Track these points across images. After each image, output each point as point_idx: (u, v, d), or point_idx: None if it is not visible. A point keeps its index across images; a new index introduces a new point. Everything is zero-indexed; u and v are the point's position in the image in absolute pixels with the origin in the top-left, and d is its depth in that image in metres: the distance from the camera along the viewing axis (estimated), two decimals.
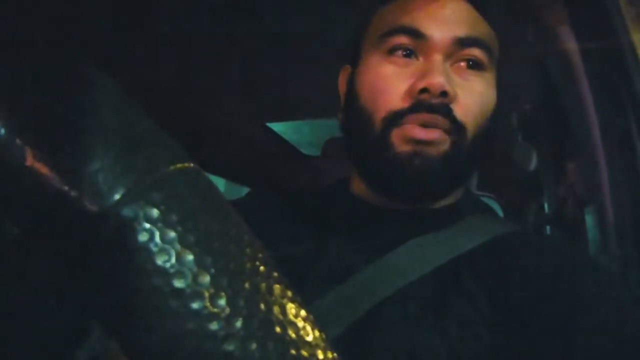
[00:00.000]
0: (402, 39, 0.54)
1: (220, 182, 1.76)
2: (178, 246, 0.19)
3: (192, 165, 0.21)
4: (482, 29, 0.55)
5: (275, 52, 1.04)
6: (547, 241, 0.59)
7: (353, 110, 0.57)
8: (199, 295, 0.18)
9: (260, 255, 0.20)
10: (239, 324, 0.18)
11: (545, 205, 1.08)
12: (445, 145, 0.52)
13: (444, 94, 0.51)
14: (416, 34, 0.53)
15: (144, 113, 0.21)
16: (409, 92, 0.52)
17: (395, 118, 0.52)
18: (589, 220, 0.76)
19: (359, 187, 0.60)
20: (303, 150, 1.53)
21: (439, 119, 0.51)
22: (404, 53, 0.54)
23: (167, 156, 0.20)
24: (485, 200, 0.88)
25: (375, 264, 0.51)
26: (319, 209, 0.61)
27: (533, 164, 1.06)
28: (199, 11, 0.90)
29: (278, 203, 0.63)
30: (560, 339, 0.44)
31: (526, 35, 0.87)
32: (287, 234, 0.57)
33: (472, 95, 0.53)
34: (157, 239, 0.18)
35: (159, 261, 0.18)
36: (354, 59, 0.60)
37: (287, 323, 0.19)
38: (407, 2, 0.56)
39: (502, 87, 0.61)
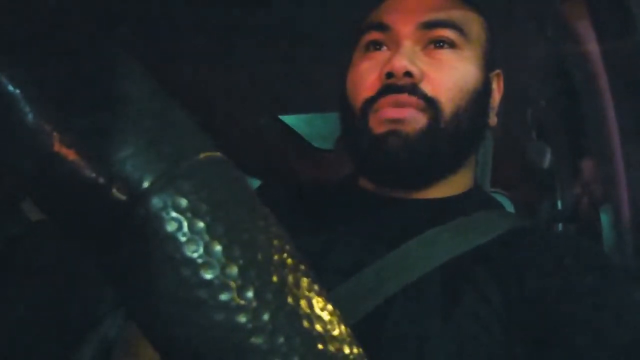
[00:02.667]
0: (373, 35, 0.58)
1: None
2: (207, 237, 0.18)
3: (220, 155, 0.21)
4: (448, 10, 0.57)
5: (287, 43, 1.04)
6: (560, 237, 0.59)
7: (342, 105, 0.60)
8: (226, 287, 0.18)
9: (287, 247, 0.20)
10: (266, 317, 0.18)
11: (559, 204, 1.06)
12: (420, 123, 0.54)
13: (408, 74, 0.54)
14: (382, 27, 0.57)
15: (174, 102, 0.21)
16: (379, 79, 0.56)
17: (369, 104, 0.56)
18: (604, 219, 0.75)
19: (363, 180, 0.61)
20: (315, 144, 1.52)
21: (406, 97, 0.54)
22: (376, 47, 0.58)
23: (197, 145, 0.20)
24: (498, 197, 0.87)
25: (386, 257, 0.51)
26: (328, 202, 0.61)
27: (547, 161, 1.05)
28: (210, 1, 0.90)
29: (288, 196, 0.64)
30: (573, 335, 0.44)
31: (543, 31, 0.86)
32: (296, 227, 0.57)
33: (444, 71, 0.55)
34: (186, 228, 0.18)
35: (188, 251, 0.18)
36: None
37: (314, 317, 0.19)
38: (384, 1, 0.60)
39: (516, 81, 0.62)
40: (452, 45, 0.56)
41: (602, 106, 0.72)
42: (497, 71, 0.62)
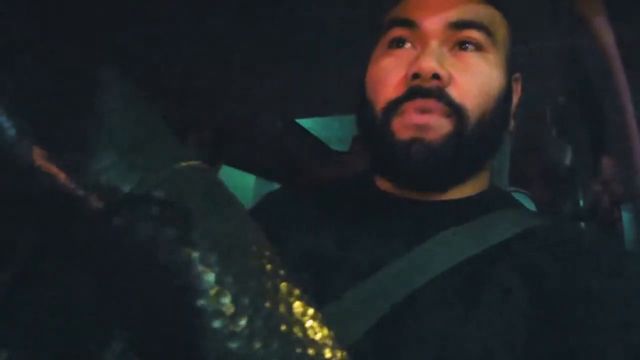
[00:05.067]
0: (398, 31, 0.55)
1: (250, 179, 1.77)
2: (182, 244, 0.19)
3: (196, 163, 0.21)
4: (477, 10, 0.55)
5: (305, 46, 1.04)
6: (584, 235, 0.57)
7: (361, 104, 0.58)
8: (204, 294, 0.18)
9: (266, 252, 0.20)
10: (243, 322, 0.18)
11: (580, 202, 1.05)
12: (445, 129, 0.52)
13: (436, 76, 0.51)
14: (409, 24, 0.55)
15: (151, 112, 0.21)
16: (404, 80, 0.53)
17: (393, 107, 0.53)
18: (626, 217, 0.74)
19: (381, 180, 0.60)
20: (332, 146, 1.53)
21: (433, 102, 0.52)
22: (401, 44, 0.55)
23: (171, 155, 0.20)
24: (519, 196, 0.86)
25: (404, 257, 0.50)
26: (345, 202, 0.61)
27: (567, 159, 1.04)
28: (225, 4, 0.90)
29: (305, 198, 0.64)
30: (599, 334, 0.44)
31: (562, 26, 0.84)
32: (314, 228, 0.57)
33: (471, 76, 0.53)
34: (161, 236, 0.19)
35: (164, 259, 0.18)
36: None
37: (293, 322, 0.19)
38: None
39: (534, 79, 0.60)
40: (478, 47, 0.54)
41: (622, 103, 0.71)
42: (517, 75, 0.60)
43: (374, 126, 0.55)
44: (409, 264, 0.50)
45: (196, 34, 0.97)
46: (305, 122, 1.40)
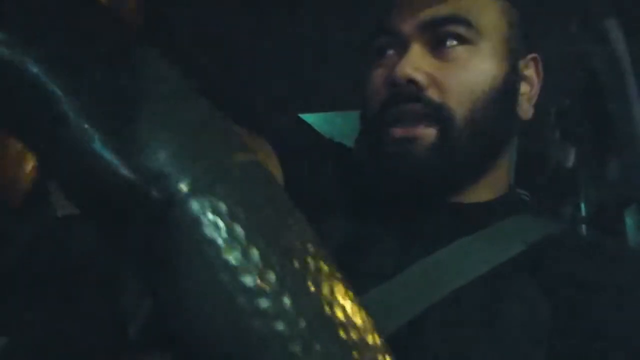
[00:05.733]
0: (381, 40, 0.55)
1: None
2: (245, 242, 0.18)
3: (256, 157, 0.20)
4: (453, 3, 0.52)
5: (308, 42, 1.04)
6: (602, 241, 0.56)
7: (361, 111, 0.58)
8: (264, 293, 0.18)
9: (322, 253, 0.20)
10: (303, 324, 0.18)
11: (582, 205, 1.05)
12: (429, 139, 0.50)
13: (411, 82, 0.50)
14: (387, 30, 0.54)
15: (211, 103, 0.20)
16: (383, 90, 0.53)
17: (378, 117, 0.53)
18: (630, 221, 0.74)
19: None
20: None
21: (411, 107, 0.50)
22: (386, 52, 0.54)
23: (233, 147, 0.20)
24: None
25: (421, 265, 0.49)
26: (357, 201, 0.59)
27: (571, 161, 1.03)
28: (227, 2, 0.90)
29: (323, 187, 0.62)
30: (624, 346, 0.43)
31: (568, 27, 0.84)
32: (328, 224, 0.56)
33: (453, 74, 0.51)
34: (224, 233, 0.18)
35: (226, 256, 0.18)
36: None
37: (349, 325, 0.19)
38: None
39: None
40: (462, 41, 0.51)
41: (628, 105, 0.70)
42: (532, 55, 0.56)
43: (367, 134, 0.56)
44: (426, 274, 0.48)
45: (196, 33, 0.97)
46: (308, 117, 1.40)
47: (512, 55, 0.54)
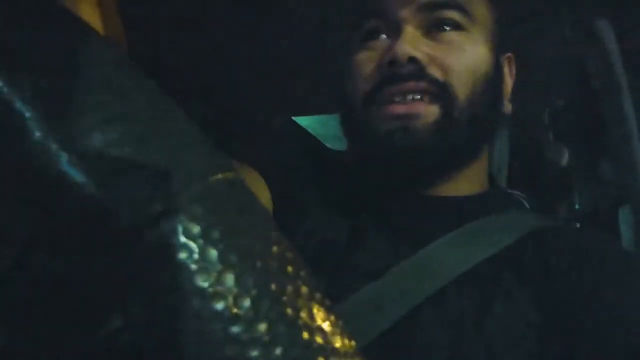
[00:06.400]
0: (371, 22, 0.53)
1: None
2: (219, 266, 0.17)
3: (234, 174, 0.19)
4: None
5: (302, 44, 1.04)
6: (588, 236, 0.56)
7: (341, 103, 0.56)
8: (238, 320, 0.17)
9: (302, 274, 0.19)
10: (278, 351, 0.17)
11: (577, 204, 1.05)
12: (432, 116, 0.49)
13: (412, 59, 0.49)
14: (379, 13, 0.53)
15: (185, 117, 0.20)
16: (379, 70, 0.51)
17: (371, 97, 0.51)
18: (623, 219, 0.74)
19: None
20: (329, 144, 1.52)
21: (414, 84, 0.49)
22: (375, 35, 0.53)
23: (209, 165, 0.19)
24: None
25: (412, 259, 0.48)
26: (342, 198, 0.58)
27: (565, 161, 1.04)
28: (226, 2, 0.90)
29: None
30: (609, 341, 0.43)
31: (562, 29, 0.84)
32: (320, 221, 0.55)
33: (453, 53, 0.51)
34: (197, 256, 0.17)
35: (199, 281, 0.17)
36: None
37: (329, 349, 0.18)
38: None
39: (533, 82, 0.59)
40: (457, 26, 0.51)
41: (621, 105, 0.71)
42: (509, 54, 0.58)
43: (355, 122, 0.53)
44: (417, 269, 0.48)
45: (196, 33, 0.97)
46: (302, 120, 1.40)
47: (496, 48, 0.55)
